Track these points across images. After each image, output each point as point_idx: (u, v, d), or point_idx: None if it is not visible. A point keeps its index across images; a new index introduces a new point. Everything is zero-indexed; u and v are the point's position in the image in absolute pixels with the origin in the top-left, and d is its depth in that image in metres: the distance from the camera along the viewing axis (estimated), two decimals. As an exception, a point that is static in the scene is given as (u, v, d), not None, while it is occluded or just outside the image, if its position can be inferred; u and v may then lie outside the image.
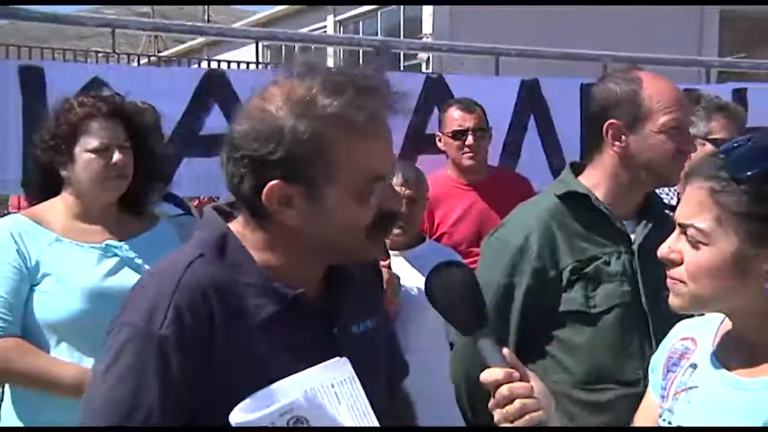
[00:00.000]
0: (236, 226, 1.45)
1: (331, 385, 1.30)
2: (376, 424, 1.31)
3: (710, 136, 3.12)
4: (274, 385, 1.26)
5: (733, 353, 1.45)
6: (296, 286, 1.41)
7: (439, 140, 3.92)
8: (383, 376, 1.60)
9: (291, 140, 1.34)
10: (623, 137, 2.17)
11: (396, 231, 3.14)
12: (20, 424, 2.41)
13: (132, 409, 1.31)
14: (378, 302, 1.69)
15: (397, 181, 3.15)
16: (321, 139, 1.34)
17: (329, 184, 1.36)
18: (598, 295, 2.14)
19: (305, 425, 1.21)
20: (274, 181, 1.35)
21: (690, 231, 1.39)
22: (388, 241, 3.19)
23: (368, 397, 1.36)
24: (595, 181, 2.23)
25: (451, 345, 2.93)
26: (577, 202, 2.20)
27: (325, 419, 1.24)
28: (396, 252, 3.17)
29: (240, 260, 1.41)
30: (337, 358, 1.34)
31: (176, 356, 1.31)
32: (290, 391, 1.24)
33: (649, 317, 2.14)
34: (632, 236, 2.20)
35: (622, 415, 2.05)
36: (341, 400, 1.29)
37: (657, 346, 2.06)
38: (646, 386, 2.08)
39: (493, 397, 1.35)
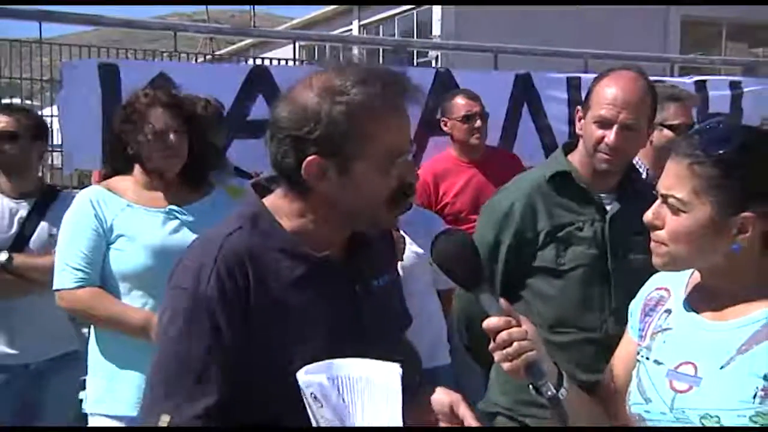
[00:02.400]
0: (273, 198, 1.43)
1: (386, 385, 1.22)
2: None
3: (666, 123, 3.03)
4: (339, 360, 1.22)
5: (702, 301, 1.42)
6: (323, 249, 1.38)
7: (445, 124, 3.82)
8: (396, 324, 1.57)
9: (327, 121, 1.31)
10: (580, 122, 2.16)
11: None
12: (101, 357, 2.43)
13: (191, 361, 1.30)
14: (390, 258, 1.65)
15: None
16: (352, 121, 1.31)
17: (358, 159, 1.33)
18: (567, 255, 2.13)
19: (320, 406, 1.18)
20: (312, 156, 1.32)
21: (670, 200, 1.36)
22: None
23: (384, 343, 1.33)
24: (577, 159, 2.20)
25: (439, 293, 3.07)
26: (561, 177, 2.18)
27: (336, 410, 1.19)
28: None
29: (271, 230, 1.38)
30: (397, 365, 1.26)
31: (220, 312, 1.30)
32: (345, 370, 1.20)
33: (612, 276, 2.11)
34: (608, 207, 2.16)
35: (580, 354, 2.09)
36: (389, 401, 1.21)
37: (617, 300, 2.07)
38: (603, 332, 2.09)
39: (494, 341, 1.33)
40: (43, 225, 2.90)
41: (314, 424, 1.22)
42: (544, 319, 2.10)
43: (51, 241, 2.85)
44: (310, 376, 1.19)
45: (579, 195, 2.16)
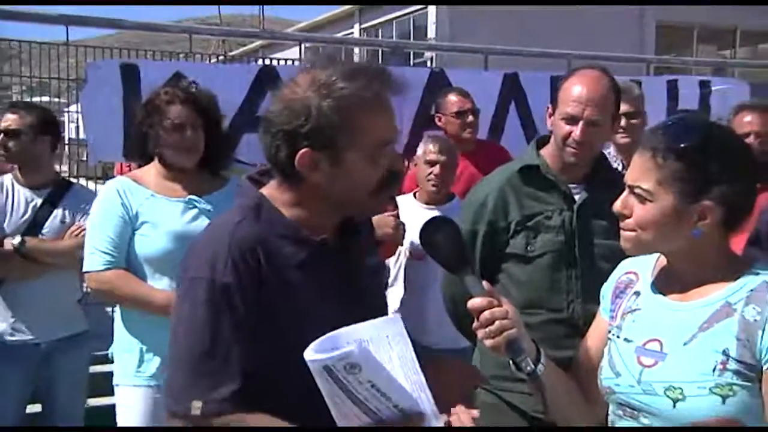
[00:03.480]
0: (268, 190, 1.41)
1: (387, 337, 1.22)
2: (421, 374, 1.22)
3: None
4: (340, 330, 1.18)
5: (668, 283, 1.44)
6: (318, 234, 1.38)
7: (439, 120, 3.82)
8: (384, 302, 1.58)
9: (317, 115, 1.30)
10: (550, 119, 2.16)
11: (434, 189, 3.12)
12: (128, 334, 2.44)
13: (214, 347, 1.28)
14: (374, 242, 1.64)
15: (434, 149, 3.11)
16: (340, 114, 1.30)
17: (349, 150, 1.32)
18: (537, 242, 2.13)
19: (358, 371, 1.13)
20: (304, 149, 1.31)
21: (637, 191, 1.37)
22: (426, 197, 3.16)
23: (372, 316, 1.31)
24: (549, 152, 2.20)
25: None
26: (531, 170, 2.18)
27: (376, 367, 1.15)
28: (433, 206, 3.13)
29: (273, 218, 1.37)
30: (393, 315, 1.27)
31: (239, 297, 1.28)
32: (353, 336, 1.16)
33: (578, 261, 2.12)
34: (577, 197, 2.16)
35: (548, 333, 2.08)
36: (394, 348, 1.21)
37: (583, 283, 2.08)
38: (569, 312, 2.11)
39: (477, 320, 1.34)
40: (56, 213, 2.93)
41: (343, 403, 1.16)
42: (516, 301, 2.10)
43: (62, 228, 2.91)
44: (331, 353, 1.12)
45: (548, 186, 2.16)
